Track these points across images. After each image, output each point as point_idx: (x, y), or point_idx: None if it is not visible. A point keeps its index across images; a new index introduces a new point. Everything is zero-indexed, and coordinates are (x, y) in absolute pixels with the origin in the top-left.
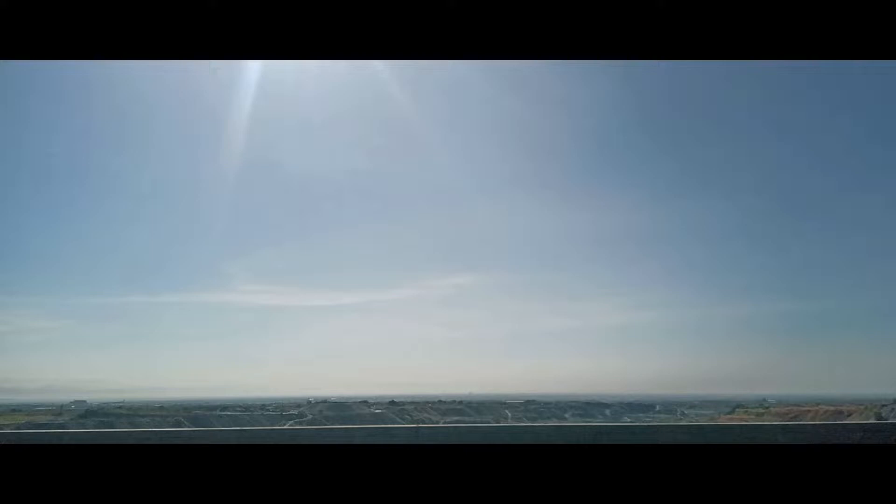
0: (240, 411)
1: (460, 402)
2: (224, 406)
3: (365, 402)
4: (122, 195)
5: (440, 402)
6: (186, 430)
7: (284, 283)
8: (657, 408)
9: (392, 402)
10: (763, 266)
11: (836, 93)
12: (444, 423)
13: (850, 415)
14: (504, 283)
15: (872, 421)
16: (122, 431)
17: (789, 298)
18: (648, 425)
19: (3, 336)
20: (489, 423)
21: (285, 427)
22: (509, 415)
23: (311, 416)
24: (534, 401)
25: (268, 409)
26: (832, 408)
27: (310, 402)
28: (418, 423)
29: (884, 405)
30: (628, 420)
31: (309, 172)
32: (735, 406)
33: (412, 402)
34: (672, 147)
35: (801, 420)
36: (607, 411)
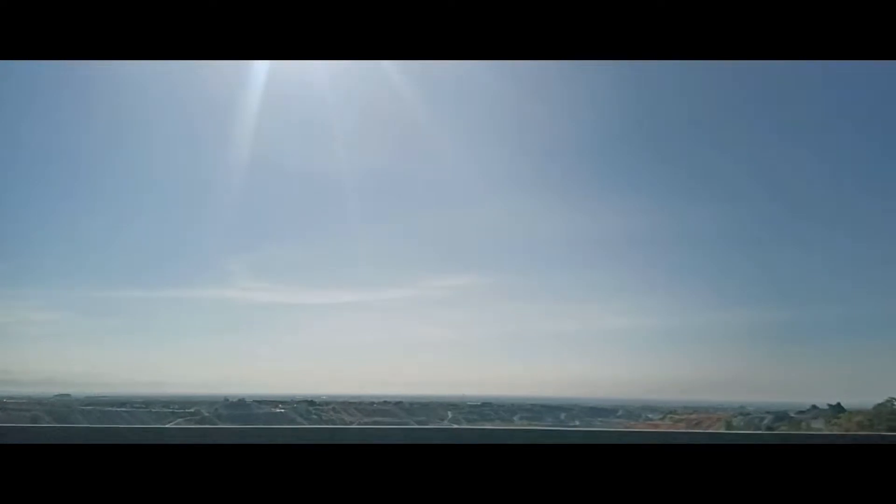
0: (139, 407)
1: (398, 403)
2: (123, 402)
3: (273, 402)
4: (125, 192)
5: (383, 402)
6: (183, 430)
7: (285, 280)
8: (619, 412)
9: (311, 402)
10: (763, 273)
11: (840, 95)
12: (356, 424)
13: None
14: (502, 284)
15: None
16: (121, 431)
17: (788, 306)
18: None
19: (5, 327)
20: (408, 424)
21: (168, 426)
22: (450, 415)
23: (206, 415)
24: (490, 403)
25: (169, 407)
26: (725, 415)
27: (228, 399)
28: (325, 424)
29: (745, 413)
30: (577, 424)
31: (311, 171)
32: (667, 413)
33: (332, 402)
34: (673, 149)
35: (700, 428)
36: (562, 415)
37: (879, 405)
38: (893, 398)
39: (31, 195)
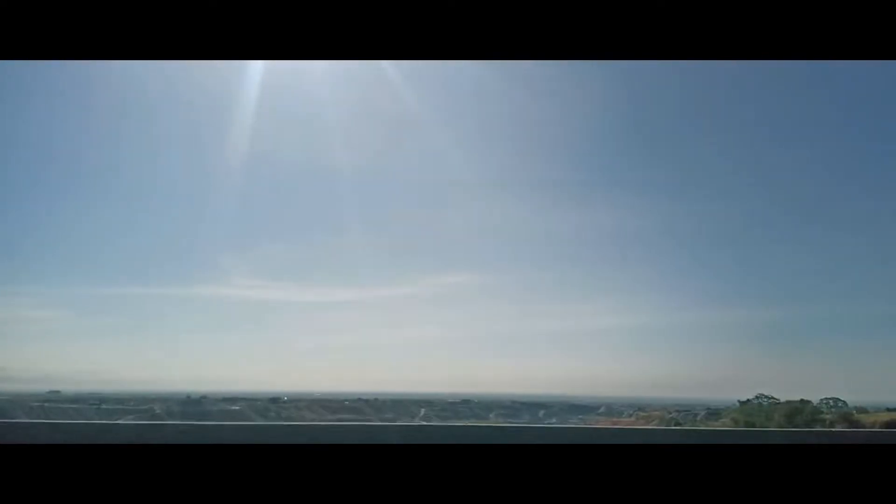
0: (92, 404)
1: (368, 400)
2: (76, 399)
3: (228, 399)
4: (123, 190)
5: (356, 399)
6: (185, 429)
7: (281, 278)
8: (601, 409)
9: (273, 400)
10: (758, 271)
11: (838, 94)
12: (317, 421)
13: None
14: (496, 283)
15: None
16: (120, 430)
17: (783, 304)
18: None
19: (3, 325)
20: (370, 421)
21: (127, 422)
22: (422, 412)
23: (157, 412)
24: (469, 400)
25: (122, 404)
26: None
27: (189, 396)
28: (286, 421)
29: (681, 410)
30: (554, 421)
31: (308, 170)
32: (637, 409)
33: (301, 400)
34: (670, 149)
35: (651, 425)
36: (541, 412)
37: (746, 402)
38: (763, 394)
39: (31, 194)
